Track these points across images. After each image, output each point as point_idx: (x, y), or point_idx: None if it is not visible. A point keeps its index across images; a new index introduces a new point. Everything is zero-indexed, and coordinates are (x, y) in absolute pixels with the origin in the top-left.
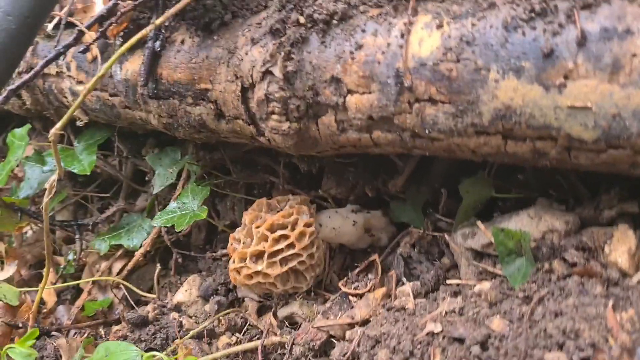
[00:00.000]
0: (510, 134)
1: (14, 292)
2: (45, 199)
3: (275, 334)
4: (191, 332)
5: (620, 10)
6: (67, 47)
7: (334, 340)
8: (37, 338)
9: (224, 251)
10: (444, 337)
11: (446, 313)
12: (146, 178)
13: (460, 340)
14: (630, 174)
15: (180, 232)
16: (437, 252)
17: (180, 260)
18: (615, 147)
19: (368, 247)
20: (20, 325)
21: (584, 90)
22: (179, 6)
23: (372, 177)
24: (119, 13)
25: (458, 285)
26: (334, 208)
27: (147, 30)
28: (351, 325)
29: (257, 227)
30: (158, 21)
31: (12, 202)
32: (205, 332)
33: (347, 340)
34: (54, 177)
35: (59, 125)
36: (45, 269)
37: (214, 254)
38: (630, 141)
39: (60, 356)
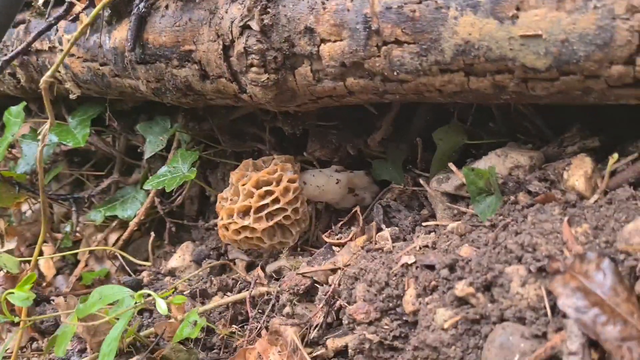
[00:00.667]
0: (471, 69)
1: (14, 262)
2: (39, 148)
3: (263, 285)
4: (185, 293)
5: None
6: (58, 18)
7: (318, 286)
8: (37, 305)
9: (216, 221)
10: (416, 268)
11: (420, 248)
12: (138, 151)
13: (431, 267)
14: (585, 101)
15: (173, 202)
16: (417, 206)
17: (173, 229)
18: (567, 73)
19: (352, 207)
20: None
21: (534, 19)
22: None
23: (353, 137)
24: None
25: (434, 226)
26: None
27: None
28: (334, 271)
29: (243, 184)
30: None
31: (10, 176)
32: (198, 292)
33: (329, 284)
34: (46, 125)
35: (49, 72)
36: (42, 227)
37: (206, 223)
38: (579, 65)
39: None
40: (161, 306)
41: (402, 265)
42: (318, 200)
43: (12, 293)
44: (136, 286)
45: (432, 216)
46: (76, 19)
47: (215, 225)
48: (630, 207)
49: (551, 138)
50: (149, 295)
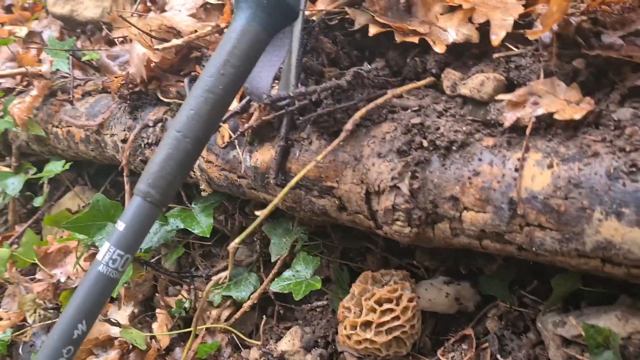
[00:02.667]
0: (609, 260)
1: (141, 338)
2: (206, 290)
3: None
4: None
5: None
6: None
7: None
8: None
9: (319, 303)
10: None
11: None
12: (255, 239)
13: None
14: None
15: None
16: (523, 326)
17: (282, 311)
18: None
19: (456, 313)
20: None
21: None
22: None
23: (463, 257)
24: (252, 115)
25: None
26: (426, 279)
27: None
28: None
29: (366, 299)
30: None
31: (138, 256)
32: None
33: None
34: (225, 274)
35: (238, 240)
36: (194, 321)
37: (310, 305)
38: None
39: None
40: None
41: None
42: (427, 311)
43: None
44: None
45: (540, 343)
46: (229, 144)
47: (317, 307)
48: None
49: None
50: None
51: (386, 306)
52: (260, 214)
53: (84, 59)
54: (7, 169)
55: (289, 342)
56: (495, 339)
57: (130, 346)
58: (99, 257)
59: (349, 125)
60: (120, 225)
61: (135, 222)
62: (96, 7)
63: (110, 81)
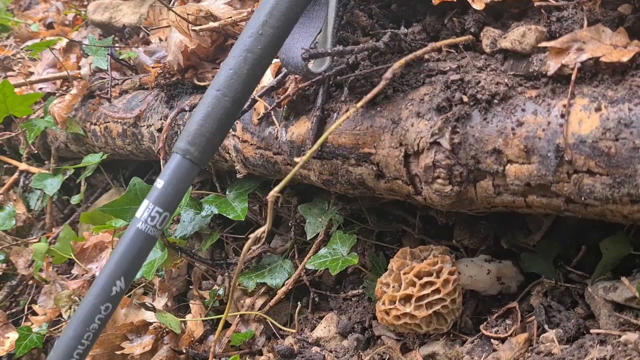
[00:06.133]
0: None
1: (176, 322)
2: (245, 249)
3: None
4: None
5: None
6: (243, 112)
7: None
8: None
9: (354, 292)
10: None
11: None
12: (290, 224)
13: None
14: None
15: (315, 272)
16: (570, 302)
17: (317, 299)
18: None
19: (498, 294)
20: (184, 351)
21: None
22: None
23: (506, 231)
24: (288, 89)
25: (604, 334)
26: (466, 257)
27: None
28: None
29: (405, 273)
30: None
31: (174, 242)
32: None
33: None
34: (263, 229)
35: (277, 188)
36: (227, 305)
37: (345, 294)
38: None
39: None
40: None
41: None
42: (469, 289)
43: None
44: (289, 354)
45: (589, 316)
46: (265, 116)
47: (353, 296)
48: None
49: None
50: None
51: (426, 279)
52: (300, 160)
53: (121, 57)
54: (46, 171)
55: (325, 328)
56: (542, 309)
57: (165, 331)
58: (137, 214)
59: (388, 74)
60: (159, 183)
61: (174, 179)
62: (134, 14)
63: (147, 76)
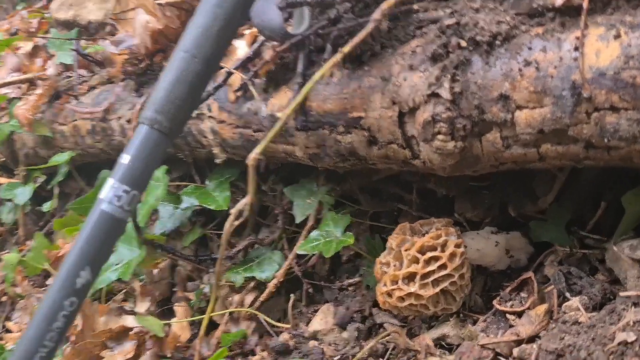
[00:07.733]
0: None
1: (158, 325)
2: (227, 225)
3: (434, 355)
4: (335, 359)
5: None
6: (217, 87)
7: (501, 358)
8: None
9: (351, 281)
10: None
11: (634, 323)
12: (276, 212)
13: None
14: None
15: (307, 262)
16: (589, 269)
17: (311, 290)
18: None
19: (507, 269)
20: (169, 355)
21: None
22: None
23: (512, 198)
24: (265, 56)
25: (635, 297)
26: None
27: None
28: (517, 342)
29: (407, 249)
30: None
31: (152, 238)
32: (350, 357)
33: (515, 358)
34: (245, 200)
35: (258, 149)
36: (211, 296)
37: (341, 283)
38: None
39: None
40: None
41: (620, 343)
42: (476, 264)
43: None
44: (284, 351)
45: (613, 281)
46: (242, 88)
47: (350, 285)
48: None
49: None
50: None
51: (430, 254)
52: (282, 114)
53: (87, 50)
54: (16, 181)
55: (321, 320)
56: (561, 277)
57: (147, 337)
58: (101, 195)
59: (376, 14)
60: (125, 158)
61: (142, 153)
62: (99, 10)
63: (115, 68)
